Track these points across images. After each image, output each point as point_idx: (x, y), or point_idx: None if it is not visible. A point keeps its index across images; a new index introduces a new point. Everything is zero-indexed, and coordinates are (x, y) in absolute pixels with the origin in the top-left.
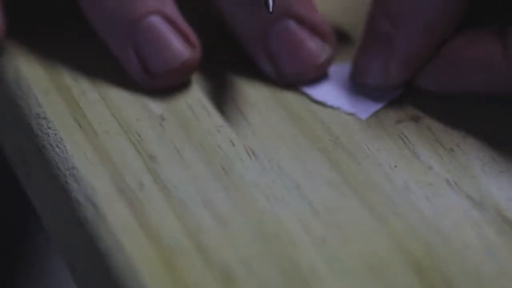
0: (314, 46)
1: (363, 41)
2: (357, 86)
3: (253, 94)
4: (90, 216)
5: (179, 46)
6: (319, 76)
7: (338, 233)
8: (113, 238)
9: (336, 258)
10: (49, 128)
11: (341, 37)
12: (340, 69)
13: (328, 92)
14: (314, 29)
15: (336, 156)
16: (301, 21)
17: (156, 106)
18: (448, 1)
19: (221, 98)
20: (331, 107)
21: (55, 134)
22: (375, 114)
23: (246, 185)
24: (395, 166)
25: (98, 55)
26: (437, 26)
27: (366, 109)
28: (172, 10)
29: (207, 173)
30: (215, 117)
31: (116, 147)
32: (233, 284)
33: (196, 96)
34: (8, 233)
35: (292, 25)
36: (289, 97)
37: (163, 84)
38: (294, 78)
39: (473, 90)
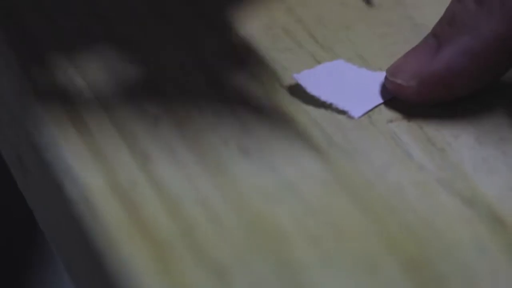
0: None
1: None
2: (353, 84)
3: (246, 93)
4: (84, 215)
5: None
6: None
7: (332, 232)
8: (107, 237)
9: (329, 256)
10: (44, 127)
11: (337, 33)
12: (334, 66)
13: (322, 87)
14: None
15: (329, 155)
16: None
17: (150, 105)
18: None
19: (215, 97)
20: (324, 102)
21: (50, 134)
22: (368, 113)
23: (239, 184)
24: (388, 165)
25: (92, 55)
26: (483, 54)
27: (359, 107)
28: None
29: (201, 172)
30: (208, 116)
31: (110, 146)
32: (227, 282)
33: (189, 95)
34: (10, 233)
35: None
36: (282, 96)
37: None
38: None
39: None
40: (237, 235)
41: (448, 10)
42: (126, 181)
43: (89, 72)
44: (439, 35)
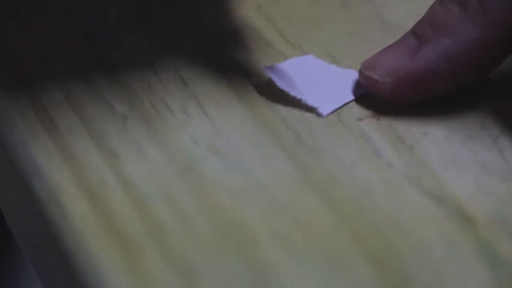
0: None
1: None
2: (322, 81)
3: (216, 93)
4: (53, 214)
5: None
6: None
7: (300, 230)
8: (76, 236)
9: (298, 255)
10: (13, 126)
11: (307, 32)
12: (304, 61)
13: (292, 82)
14: None
15: (298, 154)
16: None
17: (119, 105)
18: (484, 46)
19: (184, 96)
20: (293, 97)
21: (19, 132)
22: (336, 111)
23: (208, 183)
24: (356, 163)
25: (62, 53)
26: (463, 58)
27: (328, 104)
28: None
29: (170, 171)
30: (178, 116)
31: (79, 146)
32: (195, 281)
33: (158, 94)
34: None
35: None
36: (252, 95)
37: None
38: None
39: None
40: (206, 235)
41: (430, 11)
42: (95, 180)
43: (58, 72)
44: (420, 35)
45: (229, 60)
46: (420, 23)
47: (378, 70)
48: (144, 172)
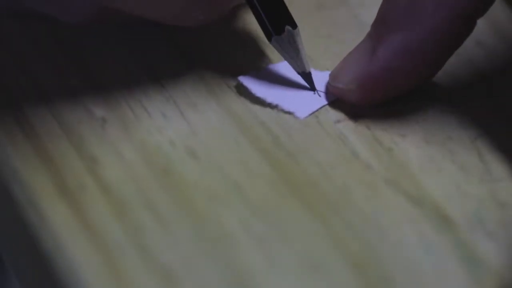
0: None
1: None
2: (297, 85)
3: (194, 95)
4: (32, 218)
5: None
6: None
7: (278, 233)
8: (54, 240)
9: (276, 257)
10: None
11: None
12: (280, 67)
13: (268, 89)
14: None
15: (276, 156)
16: None
17: (97, 108)
18: (439, 39)
19: (162, 99)
20: (270, 104)
21: None
22: (314, 114)
23: (186, 186)
24: (335, 166)
25: (40, 57)
26: (417, 50)
27: (304, 108)
28: None
29: (148, 174)
30: (156, 118)
31: (57, 149)
32: (174, 284)
33: (136, 97)
34: None
35: None
36: (229, 98)
37: None
38: None
39: None
40: (184, 237)
41: (380, 9)
42: (74, 184)
43: (36, 75)
44: (373, 36)
45: (207, 62)
46: (374, 23)
47: (342, 79)
48: (122, 175)
